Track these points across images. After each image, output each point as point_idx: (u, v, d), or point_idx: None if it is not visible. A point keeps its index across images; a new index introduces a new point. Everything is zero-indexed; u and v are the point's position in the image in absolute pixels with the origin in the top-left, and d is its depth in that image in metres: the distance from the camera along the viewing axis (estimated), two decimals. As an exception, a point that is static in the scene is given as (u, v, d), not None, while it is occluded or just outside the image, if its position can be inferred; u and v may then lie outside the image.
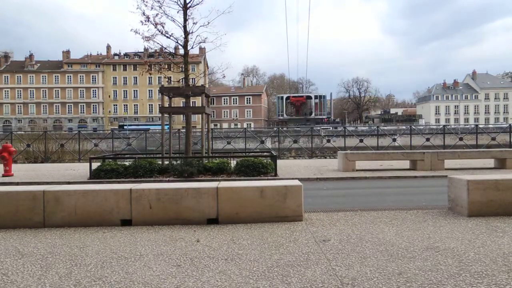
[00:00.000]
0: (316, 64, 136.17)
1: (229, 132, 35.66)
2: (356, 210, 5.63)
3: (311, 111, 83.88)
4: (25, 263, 3.42)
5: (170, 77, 13.04)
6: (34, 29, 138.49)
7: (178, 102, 25.71)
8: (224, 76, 28.91)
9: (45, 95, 79.33)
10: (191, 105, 12.90)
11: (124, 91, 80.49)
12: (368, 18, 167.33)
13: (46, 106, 79.42)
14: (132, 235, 4.34)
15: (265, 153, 14.45)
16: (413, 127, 26.59)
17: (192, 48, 12.02)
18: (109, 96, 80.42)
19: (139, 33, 11.60)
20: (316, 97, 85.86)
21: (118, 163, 11.37)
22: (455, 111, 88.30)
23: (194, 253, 3.65)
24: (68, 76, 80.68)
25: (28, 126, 72.15)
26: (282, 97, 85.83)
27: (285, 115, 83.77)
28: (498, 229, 4.25)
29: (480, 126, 30.87)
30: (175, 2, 11.64)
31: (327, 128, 48.44)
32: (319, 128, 43.78)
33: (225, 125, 78.67)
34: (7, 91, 78.85)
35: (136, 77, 76.65)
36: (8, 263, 3.45)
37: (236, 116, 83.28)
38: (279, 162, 12.13)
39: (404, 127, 39.27)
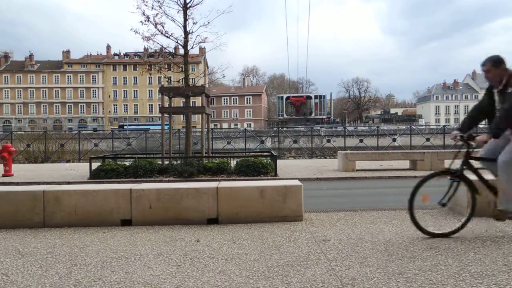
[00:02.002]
0: (316, 64, 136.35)
1: (229, 132, 35.67)
2: (356, 210, 5.62)
3: (311, 111, 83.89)
4: (25, 263, 3.42)
5: (170, 77, 13.05)
6: (34, 29, 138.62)
7: (178, 102, 25.72)
8: (224, 76, 28.90)
9: (45, 95, 79.35)
10: (191, 105, 12.90)
11: (124, 91, 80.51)
12: (368, 18, 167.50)
13: (46, 106, 79.43)
14: (132, 235, 4.34)
15: (265, 153, 14.46)
16: (413, 127, 26.61)
17: (192, 48, 12.04)
18: (109, 96, 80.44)
19: (139, 33, 11.63)
20: (316, 97, 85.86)
21: (118, 163, 11.37)
22: (455, 111, 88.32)
23: (194, 253, 3.65)
24: (68, 76, 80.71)
25: (28, 126, 72.18)
26: (282, 97, 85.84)
27: (285, 115, 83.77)
28: (498, 229, 4.25)
29: (480, 126, 30.85)
30: (175, 2, 11.65)
31: (327, 129, 48.40)
32: (319, 128, 43.78)
33: (225, 125, 78.67)
34: (7, 91, 78.85)
35: (136, 77, 76.70)
36: (8, 263, 3.45)
37: (236, 116, 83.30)
38: (279, 162, 12.13)
39: (404, 127, 39.31)
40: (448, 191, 3.89)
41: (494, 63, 3.76)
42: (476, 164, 4.01)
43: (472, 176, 4.02)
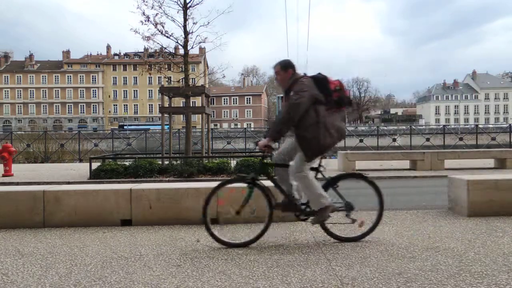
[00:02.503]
0: (316, 64, 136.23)
1: (229, 132, 35.63)
2: (356, 210, 5.61)
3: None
4: (25, 263, 3.42)
5: (170, 77, 13.04)
6: (34, 29, 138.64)
7: (178, 102, 25.70)
8: (224, 76, 28.79)
9: (45, 95, 79.35)
10: (191, 105, 12.90)
11: (124, 91, 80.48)
12: (368, 18, 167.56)
13: (46, 106, 79.44)
14: (132, 235, 4.34)
15: (265, 153, 14.42)
16: (413, 127, 26.61)
17: (192, 48, 12.03)
18: (109, 96, 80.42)
19: (139, 33, 11.62)
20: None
21: (118, 163, 11.37)
22: (455, 111, 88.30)
23: (194, 253, 3.65)
24: (68, 76, 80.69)
25: (28, 126, 72.19)
26: (282, 97, 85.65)
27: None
28: (498, 229, 4.25)
29: (480, 126, 30.86)
30: (175, 2, 11.64)
31: None
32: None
33: (225, 125, 78.66)
34: (7, 91, 78.85)
35: (136, 77, 76.65)
36: (8, 263, 3.45)
37: (236, 116, 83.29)
38: (279, 162, 12.11)
39: (404, 127, 39.28)
40: (245, 198, 3.81)
41: (282, 67, 3.82)
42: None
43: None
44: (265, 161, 3.98)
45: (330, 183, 3.89)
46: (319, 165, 3.89)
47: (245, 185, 3.82)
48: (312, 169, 3.86)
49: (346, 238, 3.91)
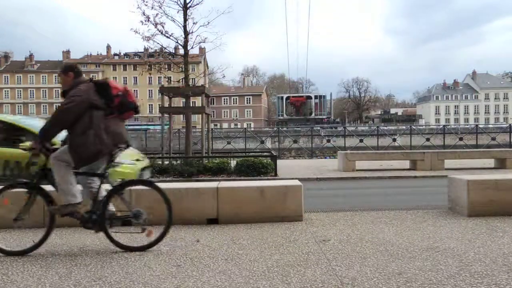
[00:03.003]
0: (316, 64, 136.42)
1: (229, 132, 35.58)
2: (356, 210, 5.63)
3: (311, 111, 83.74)
4: (25, 263, 3.42)
5: (170, 77, 13.06)
6: (34, 29, 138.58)
7: (178, 102, 25.72)
8: (224, 76, 28.79)
9: (45, 95, 79.26)
10: (191, 105, 12.91)
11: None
12: (369, 18, 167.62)
13: (46, 106, 79.33)
14: (131, 235, 4.33)
15: (265, 153, 14.46)
16: (413, 127, 26.62)
17: (192, 48, 12.06)
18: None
19: (139, 33, 11.66)
20: (316, 97, 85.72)
21: (118, 163, 11.35)
22: (455, 111, 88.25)
23: (194, 253, 3.65)
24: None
25: (28, 126, 71.98)
26: (282, 97, 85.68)
27: (285, 115, 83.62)
28: (498, 229, 4.25)
29: (480, 126, 30.84)
30: (175, 2, 11.66)
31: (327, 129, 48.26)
32: (319, 128, 43.71)
33: (225, 125, 78.59)
34: (7, 91, 78.77)
35: (136, 77, 76.50)
36: (8, 263, 3.45)
37: (236, 116, 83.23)
38: (279, 162, 12.13)
39: (404, 127, 39.19)
40: (25, 204, 3.72)
41: (63, 70, 3.82)
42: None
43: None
44: (46, 165, 3.83)
45: (115, 190, 3.74)
46: (105, 172, 3.74)
47: (26, 190, 3.72)
48: (97, 175, 3.76)
49: (131, 247, 3.72)
